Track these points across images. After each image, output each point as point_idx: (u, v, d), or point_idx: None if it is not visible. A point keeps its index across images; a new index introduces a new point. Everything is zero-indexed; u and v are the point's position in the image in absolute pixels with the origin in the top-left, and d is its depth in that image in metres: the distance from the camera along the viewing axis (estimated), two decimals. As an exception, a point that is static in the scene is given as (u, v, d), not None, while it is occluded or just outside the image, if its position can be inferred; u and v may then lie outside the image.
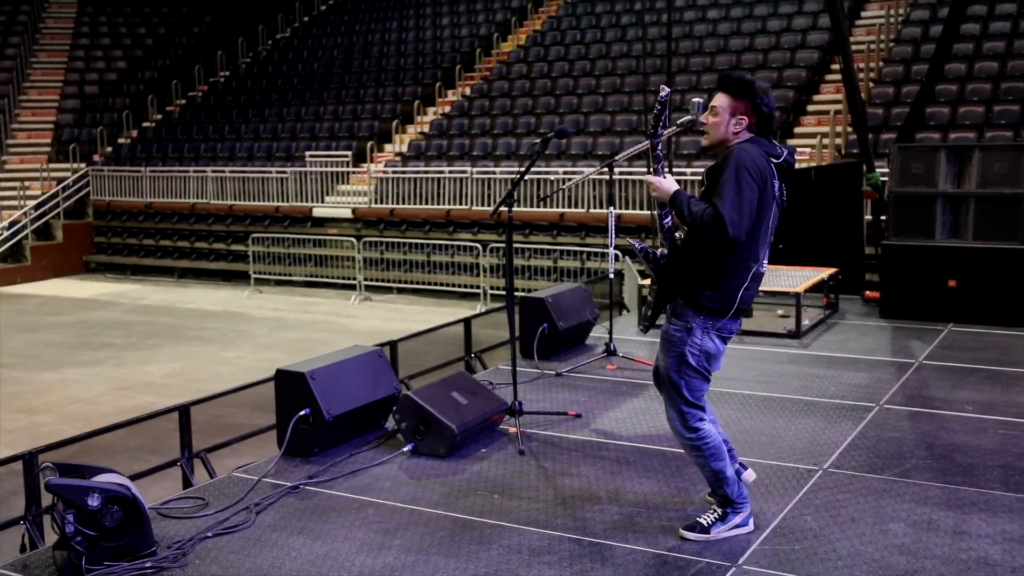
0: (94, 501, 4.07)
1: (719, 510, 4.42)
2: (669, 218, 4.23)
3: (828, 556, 4.17)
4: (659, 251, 4.34)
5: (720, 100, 4.17)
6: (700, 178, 4.50)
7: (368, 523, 4.64)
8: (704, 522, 4.40)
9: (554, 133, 5.74)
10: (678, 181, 4.31)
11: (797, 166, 14.17)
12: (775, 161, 4.13)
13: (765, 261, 4.23)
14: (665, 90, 4.09)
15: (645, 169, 13.03)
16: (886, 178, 9.44)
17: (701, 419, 4.32)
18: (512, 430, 5.83)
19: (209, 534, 4.49)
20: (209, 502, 4.91)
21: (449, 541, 4.42)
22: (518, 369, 6.59)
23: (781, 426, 5.91)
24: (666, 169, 4.27)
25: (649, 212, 11.64)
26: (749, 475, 4.60)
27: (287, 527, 4.61)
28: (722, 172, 4.01)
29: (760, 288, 8.15)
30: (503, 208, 5.71)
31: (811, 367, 7.22)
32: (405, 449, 5.54)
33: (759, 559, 4.17)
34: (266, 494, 4.99)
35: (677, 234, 4.28)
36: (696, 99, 6.40)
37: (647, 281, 9.07)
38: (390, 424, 5.97)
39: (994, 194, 8.25)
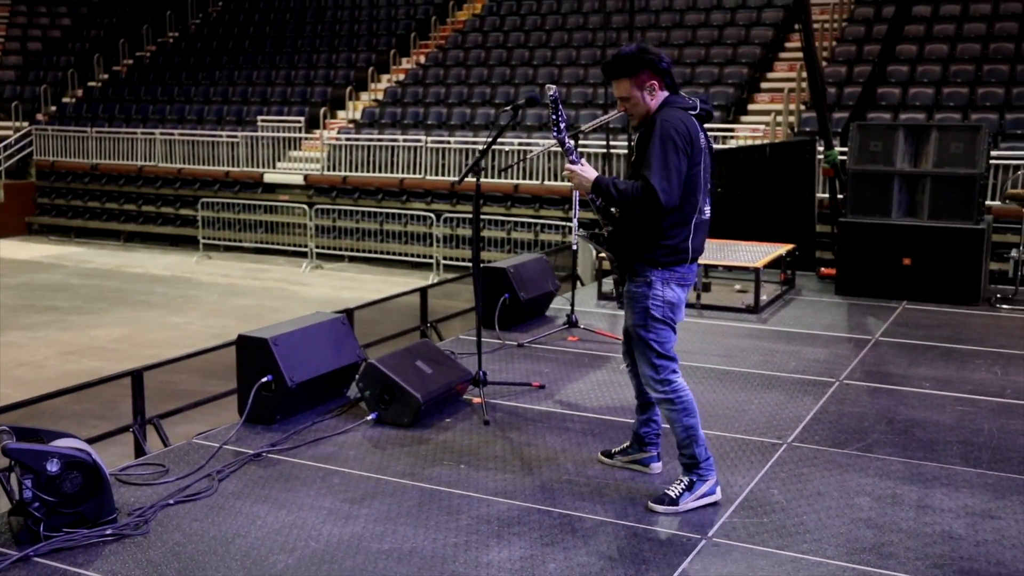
0: (53, 466, 3.93)
1: (685, 479, 4.42)
2: (600, 200, 4.33)
3: (797, 529, 4.17)
4: (604, 231, 4.43)
5: (623, 86, 4.29)
6: (627, 151, 4.62)
7: (334, 492, 4.55)
8: (672, 494, 4.40)
9: (526, 100, 5.65)
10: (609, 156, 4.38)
11: (752, 142, 14.27)
12: (693, 113, 4.27)
13: (707, 208, 4.38)
14: (552, 88, 4.26)
15: (603, 142, 12.99)
16: (844, 156, 9.49)
17: (674, 371, 4.40)
18: (476, 400, 5.76)
19: (171, 501, 4.37)
20: (169, 469, 4.78)
21: (417, 511, 4.35)
22: (483, 340, 6.53)
23: (743, 400, 5.91)
24: (581, 159, 4.34)
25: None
26: (657, 467, 4.73)
27: (251, 495, 4.50)
28: (647, 142, 4.15)
29: (718, 263, 8.18)
30: (470, 177, 5.60)
31: (770, 342, 7.25)
32: (369, 418, 5.45)
33: (728, 532, 4.16)
34: (228, 461, 4.88)
35: (613, 209, 4.39)
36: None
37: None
38: (352, 392, 5.87)
39: (950, 174, 8.32)
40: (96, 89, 23.11)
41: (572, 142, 4.39)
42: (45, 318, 13.48)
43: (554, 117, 4.32)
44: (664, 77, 4.29)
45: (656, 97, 4.28)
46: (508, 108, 5.06)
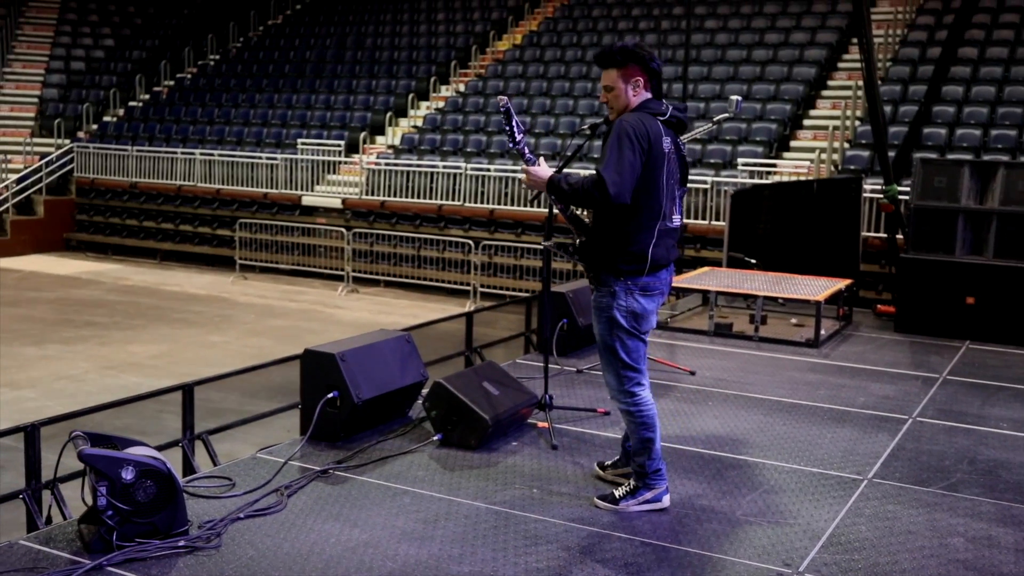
0: (128, 474, 3.81)
1: (631, 484, 4.49)
2: (564, 205, 4.38)
3: (892, 569, 3.98)
4: (576, 241, 4.48)
5: (610, 76, 4.34)
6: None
7: (406, 512, 4.40)
8: (616, 494, 4.49)
9: (604, 120, 5.55)
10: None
11: (793, 178, 14.13)
12: (662, 119, 4.30)
13: (677, 216, 4.40)
14: (503, 99, 4.31)
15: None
16: (905, 194, 9.32)
17: (639, 383, 4.41)
18: (542, 424, 5.61)
19: (241, 515, 4.24)
20: (236, 483, 4.65)
21: (494, 535, 4.19)
22: (536, 364, 6.40)
23: (816, 433, 5.74)
24: (538, 159, 4.35)
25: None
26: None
27: (321, 512, 4.36)
28: (606, 140, 4.23)
29: (778, 295, 8.01)
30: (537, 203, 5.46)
31: (835, 376, 7.06)
32: (434, 438, 5.30)
33: (819, 568, 3.99)
34: (295, 477, 4.74)
35: (586, 218, 4.46)
36: (735, 96, 6.24)
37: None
38: (415, 412, 5.73)
39: (1017, 212, 8.14)
40: (137, 109, 23.24)
41: (528, 147, 4.39)
42: (84, 332, 13.44)
43: (507, 128, 4.32)
44: (652, 78, 4.36)
45: (639, 95, 4.34)
46: (586, 128, 4.97)
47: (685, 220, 14.81)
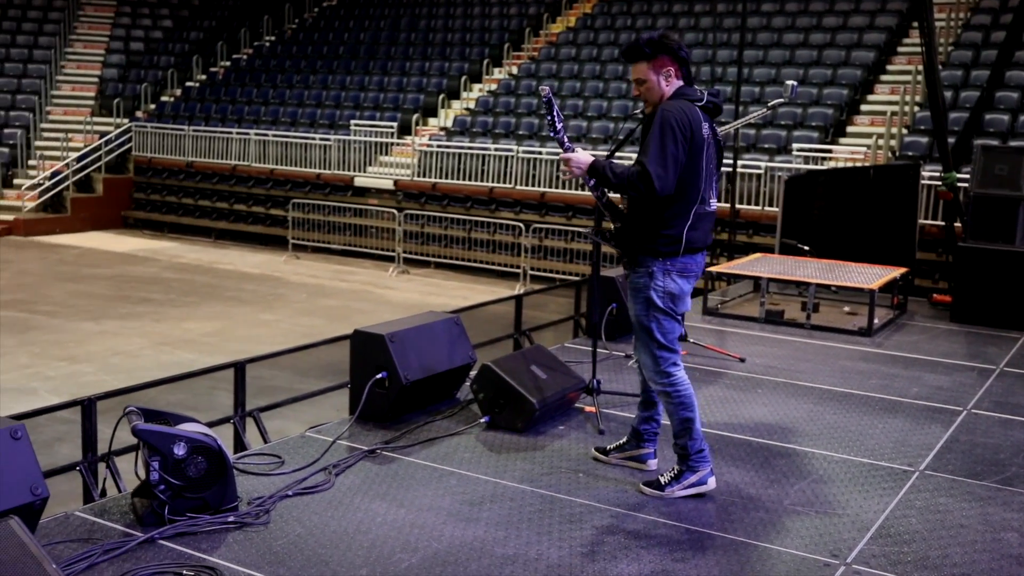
0: (180, 450, 3.87)
1: (676, 468, 4.48)
2: (601, 192, 4.42)
3: (942, 562, 3.92)
4: (611, 228, 4.52)
5: (641, 69, 4.37)
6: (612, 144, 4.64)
7: (452, 493, 4.42)
8: (662, 480, 4.49)
9: (640, 112, 5.57)
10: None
11: (850, 164, 13.92)
12: (699, 105, 4.33)
13: (714, 200, 4.44)
14: (545, 88, 4.33)
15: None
16: (965, 182, 9.14)
17: (675, 363, 4.43)
18: (589, 409, 5.60)
19: (290, 493, 4.29)
20: (285, 460, 4.70)
21: (539, 518, 4.20)
22: (585, 348, 6.39)
23: (867, 423, 5.66)
24: (575, 148, 4.38)
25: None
26: (653, 463, 4.74)
27: (369, 491, 4.40)
28: (648, 130, 4.25)
29: (831, 283, 7.92)
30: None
31: (888, 366, 6.96)
32: (481, 420, 5.32)
33: (868, 559, 3.94)
34: (343, 456, 4.79)
35: (621, 205, 4.51)
36: (790, 82, 6.16)
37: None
38: (463, 394, 5.76)
39: (1080, 201, 7.95)
40: (194, 89, 23.52)
41: (566, 135, 4.40)
42: (140, 309, 13.66)
43: (549, 118, 4.33)
44: (682, 66, 4.38)
45: (671, 84, 4.36)
46: (639, 112, 4.92)
47: (738, 206, 14.66)
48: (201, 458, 3.92)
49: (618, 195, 4.48)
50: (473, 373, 5.62)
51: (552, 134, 4.40)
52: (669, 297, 4.36)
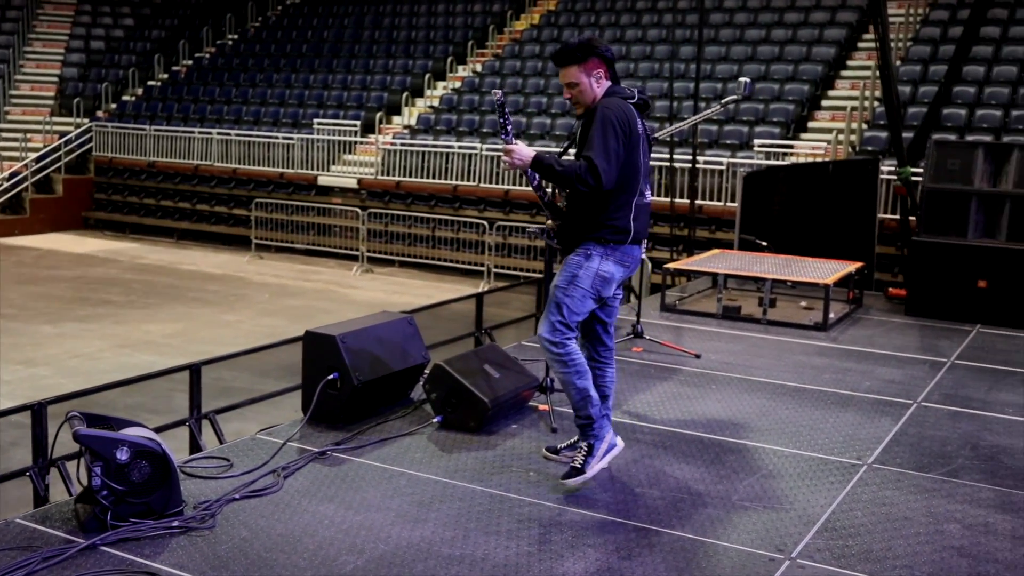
0: (123, 454, 3.84)
1: (584, 445, 4.53)
2: (543, 191, 4.56)
3: (886, 555, 3.97)
4: (553, 225, 4.63)
5: (572, 73, 4.46)
6: (566, 141, 4.82)
7: (401, 494, 4.42)
8: (577, 464, 4.51)
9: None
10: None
11: (811, 160, 14.02)
12: (632, 102, 4.48)
13: (648, 192, 4.58)
14: (497, 93, 4.40)
15: (666, 155, 12.84)
16: (917, 176, 9.24)
17: (570, 338, 4.48)
18: (543, 407, 5.61)
19: (237, 496, 4.27)
20: (234, 463, 4.68)
21: (487, 517, 4.20)
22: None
23: (818, 417, 5.72)
24: (517, 142, 4.46)
25: (670, 200, 11.48)
26: (619, 443, 4.73)
27: (317, 493, 4.38)
28: (589, 127, 4.35)
29: (787, 278, 7.98)
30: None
31: (841, 360, 7.03)
32: (434, 421, 5.32)
33: (812, 553, 3.97)
34: (293, 459, 4.77)
35: (560, 203, 4.62)
36: (743, 79, 6.24)
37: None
38: (417, 394, 5.75)
39: (1031, 195, 8.06)
40: (156, 88, 23.32)
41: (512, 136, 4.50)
42: (100, 311, 13.53)
43: (501, 121, 4.42)
44: (609, 66, 4.50)
45: (602, 85, 4.48)
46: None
47: (700, 201, 14.75)
48: (144, 462, 3.89)
49: (557, 192, 4.53)
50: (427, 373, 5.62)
51: (502, 136, 4.46)
52: (599, 279, 4.46)
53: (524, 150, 4.38)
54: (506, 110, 4.45)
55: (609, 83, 4.51)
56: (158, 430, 6.10)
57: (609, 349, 4.77)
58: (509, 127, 4.45)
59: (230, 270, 17.10)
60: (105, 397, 8.93)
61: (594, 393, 4.53)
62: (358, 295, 15.28)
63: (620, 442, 4.64)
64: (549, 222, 4.68)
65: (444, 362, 5.37)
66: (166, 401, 8.69)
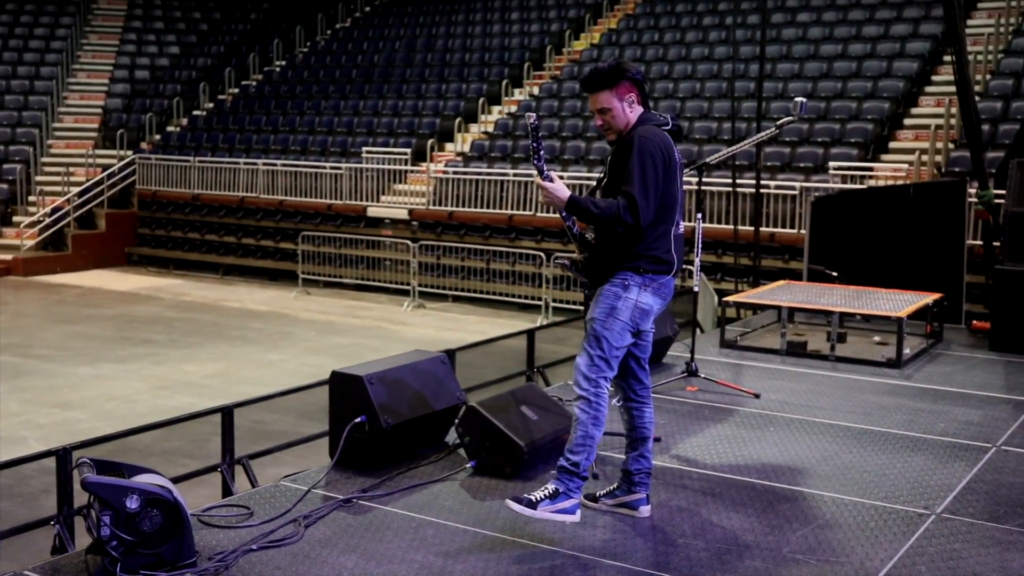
0: (133, 503, 3.91)
1: (551, 487, 4.48)
2: (572, 222, 4.58)
3: (948, 612, 3.87)
4: (580, 258, 4.68)
5: (604, 98, 4.50)
6: (600, 174, 4.77)
7: (427, 545, 4.43)
8: (533, 497, 4.44)
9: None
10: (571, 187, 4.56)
11: (894, 183, 13.84)
12: (666, 129, 4.54)
13: (682, 223, 4.65)
14: (531, 116, 4.44)
15: (729, 179, 12.79)
16: (1001, 199, 9.06)
17: (607, 378, 4.49)
18: (585, 451, 5.58)
19: (254, 547, 4.32)
20: (254, 511, 4.74)
21: (516, 570, 4.20)
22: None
23: (885, 463, 5.61)
24: (553, 178, 4.47)
25: (734, 227, 11.43)
26: (645, 510, 4.74)
27: (338, 544, 4.42)
28: (626, 158, 4.38)
29: (856, 311, 7.87)
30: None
31: (915, 400, 6.90)
32: (467, 466, 5.34)
33: (868, 611, 3.89)
34: (316, 506, 4.82)
35: (588, 235, 4.64)
36: (799, 99, 6.23)
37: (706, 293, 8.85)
38: (451, 438, 5.77)
39: (1126, 219, 7.86)
40: (201, 118, 23.90)
41: (546, 165, 4.49)
42: (140, 351, 13.83)
43: (534, 145, 4.44)
44: (640, 91, 4.55)
45: (634, 110, 4.53)
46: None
47: (772, 229, 14.65)
48: (156, 511, 3.96)
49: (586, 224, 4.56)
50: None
51: (534, 162, 4.48)
52: (638, 311, 4.48)
53: (559, 191, 4.41)
54: (539, 134, 4.47)
55: (641, 109, 4.56)
56: (190, 476, 6.26)
57: (646, 387, 4.76)
58: (542, 152, 4.48)
59: (276, 307, 17.37)
60: (141, 442, 9.12)
61: (594, 451, 4.51)
62: (409, 332, 15.40)
63: (578, 516, 4.51)
64: (576, 254, 4.70)
65: (478, 403, 5.39)
66: (203, 446, 8.84)
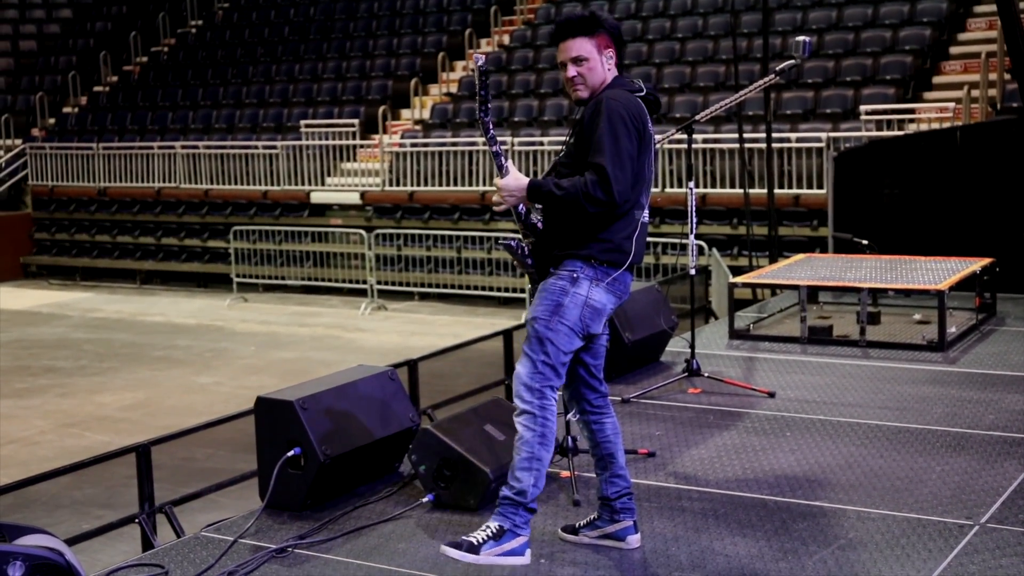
0: (15, 571, 4.00)
1: (494, 525, 4.52)
2: (523, 207, 4.58)
3: (989, 641, 3.99)
4: (526, 243, 4.68)
5: (581, 46, 4.54)
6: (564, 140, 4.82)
7: (375, 598, 4.54)
8: (474, 540, 4.49)
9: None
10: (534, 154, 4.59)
11: (937, 126, 13.97)
12: (640, 96, 4.58)
13: (647, 209, 4.66)
14: (480, 58, 4.47)
15: (736, 135, 12.90)
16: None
17: (553, 387, 4.53)
18: (564, 474, 5.70)
19: (167, 613, 4.42)
20: (169, 571, 4.83)
21: (481, 621, 4.30)
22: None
23: (920, 467, 5.73)
24: (507, 161, 4.53)
25: (744, 191, 11.54)
26: (634, 539, 4.78)
27: (269, 603, 4.52)
28: (594, 125, 4.41)
29: (890, 286, 8.00)
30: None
31: (960, 388, 7.03)
32: (424, 500, 5.43)
33: (895, 644, 4.01)
34: (243, 560, 4.91)
35: (534, 217, 4.63)
36: (801, 38, 6.33)
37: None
38: (405, 468, 5.87)
39: None
40: (103, 95, 23.94)
41: (497, 143, 4.56)
42: (42, 382, 13.89)
43: (482, 93, 4.48)
44: (617, 45, 4.63)
45: (611, 70, 4.60)
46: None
47: (795, 190, 14.78)
48: (45, 578, 4.05)
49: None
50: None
51: (480, 115, 4.54)
52: (589, 310, 4.49)
53: (513, 183, 4.46)
54: (487, 80, 4.49)
55: (615, 72, 4.62)
56: (105, 530, 6.34)
57: (603, 396, 4.80)
58: (489, 106, 4.52)
59: (206, 319, 17.45)
60: (47, 491, 9.18)
61: (543, 475, 4.53)
62: (367, 340, 15.50)
63: (528, 559, 4.56)
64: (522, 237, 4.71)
65: (433, 426, 5.49)
66: (122, 493, 8.92)
